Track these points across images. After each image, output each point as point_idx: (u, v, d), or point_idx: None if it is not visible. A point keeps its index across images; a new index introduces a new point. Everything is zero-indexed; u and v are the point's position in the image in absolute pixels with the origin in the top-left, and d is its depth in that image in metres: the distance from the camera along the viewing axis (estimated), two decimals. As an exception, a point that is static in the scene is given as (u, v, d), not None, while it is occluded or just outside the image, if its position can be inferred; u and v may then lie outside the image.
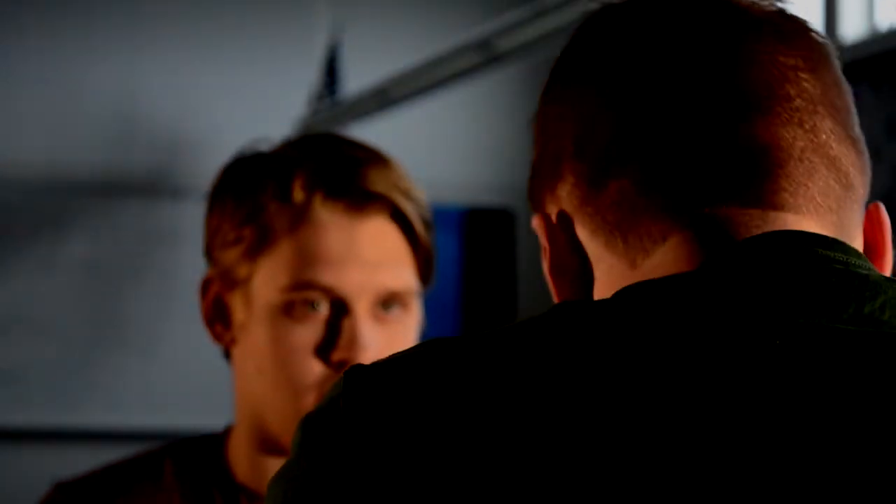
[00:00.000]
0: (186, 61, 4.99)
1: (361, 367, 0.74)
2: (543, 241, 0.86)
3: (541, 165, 0.88)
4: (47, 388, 4.81)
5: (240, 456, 1.41)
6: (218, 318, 1.41)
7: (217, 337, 1.42)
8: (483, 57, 3.40)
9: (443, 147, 5.20)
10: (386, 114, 4.15)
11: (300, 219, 1.37)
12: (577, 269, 0.84)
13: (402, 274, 1.39)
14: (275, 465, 1.39)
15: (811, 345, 0.71)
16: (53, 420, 4.80)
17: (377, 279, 1.37)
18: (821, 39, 0.85)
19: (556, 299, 0.85)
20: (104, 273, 4.89)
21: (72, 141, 4.89)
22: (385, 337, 1.37)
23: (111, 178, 4.91)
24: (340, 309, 1.36)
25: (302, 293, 1.35)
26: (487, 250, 5.26)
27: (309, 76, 4.76)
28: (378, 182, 1.37)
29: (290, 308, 1.36)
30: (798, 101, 0.81)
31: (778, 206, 0.79)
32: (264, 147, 1.43)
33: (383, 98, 4.00)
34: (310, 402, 1.34)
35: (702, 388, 0.69)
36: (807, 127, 0.81)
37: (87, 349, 4.85)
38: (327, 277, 1.35)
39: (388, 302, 1.38)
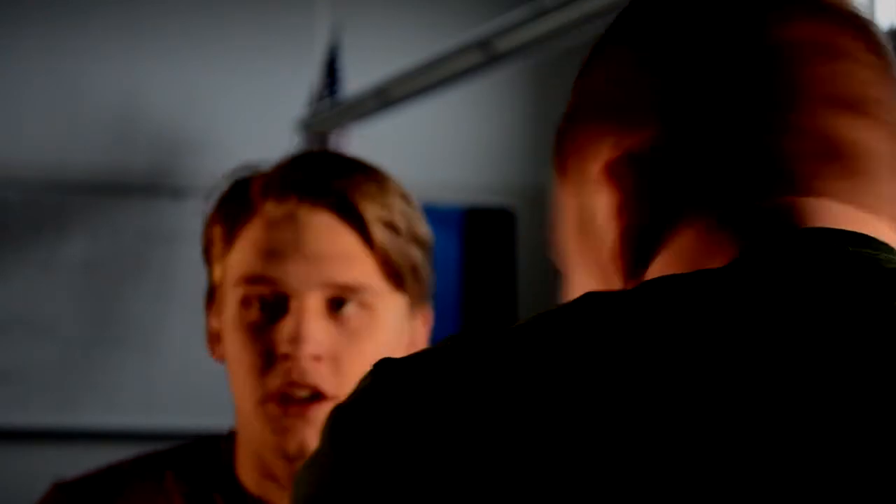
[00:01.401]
0: (186, 61, 4.99)
1: (390, 360, 0.73)
2: (572, 198, 0.85)
3: (580, 120, 0.86)
4: (47, 388, 4.81)
5: (242, 459, 1.41)
6: (213, 337, 1.42)
7: (217, 356, 1.42)
8: (483, 57, 3.39)
9: (443, 147, 5.20)
10: (386, 114, 4.15)
11: (252, 216, 1.37)
12: (604, 229, 0.83)
13: (352, 268, 1.36)
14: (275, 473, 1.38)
15: (841, 340, 0.70)
16: (53, 420, 4.80)
17: (323, 271, 1.35)
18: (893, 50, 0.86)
19: (570, 258, 0.85)
20: (104, 273, 4.89)
21: (72, 141, 4.89)
22: (341, 336, 1.35)
23: (111, 178, 4.91)
24: (287, 302, 1.35)
25: (253, 287, 1.35)
26: (487, 250, 5.26)
27: (309, 76, 4.76)
28: (334, 181, 1.36)
29: (248, 305, 1.35)
30: (890, 104, 0.82)
31: (863, 208, 0.79)
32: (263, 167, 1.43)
33: (383, 98, 4.00)
34: (270, 407, 1.33)
35: (718, 386, 0.69)
36: (893, 130, 0.82)
37: (87, 349, 4.85)
38: (272, 270, 1.34)
39: (341, 298, 1.36)
